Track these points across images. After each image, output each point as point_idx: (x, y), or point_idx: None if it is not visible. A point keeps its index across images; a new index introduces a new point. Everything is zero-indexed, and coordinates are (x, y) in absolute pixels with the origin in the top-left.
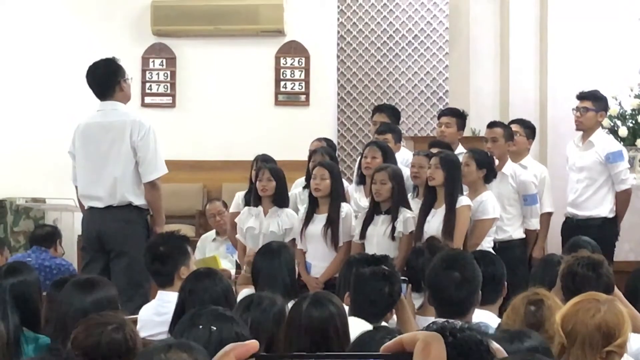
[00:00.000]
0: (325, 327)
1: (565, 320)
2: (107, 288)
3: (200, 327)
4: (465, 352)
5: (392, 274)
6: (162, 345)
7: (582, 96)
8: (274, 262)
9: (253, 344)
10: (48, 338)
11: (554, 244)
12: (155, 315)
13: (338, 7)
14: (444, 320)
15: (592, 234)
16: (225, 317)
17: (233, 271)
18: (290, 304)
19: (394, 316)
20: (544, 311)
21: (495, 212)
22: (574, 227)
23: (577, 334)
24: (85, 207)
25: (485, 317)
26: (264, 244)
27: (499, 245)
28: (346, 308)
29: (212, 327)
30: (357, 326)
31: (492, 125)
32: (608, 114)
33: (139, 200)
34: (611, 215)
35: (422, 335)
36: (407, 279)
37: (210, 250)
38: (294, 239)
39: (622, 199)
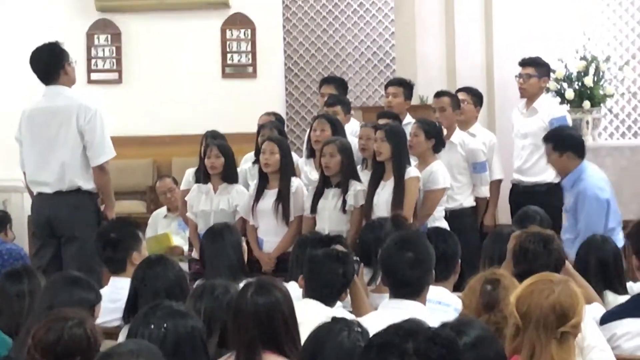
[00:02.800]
0: (272, 314)
1: (519, 301)
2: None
3: (153, 326)
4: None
5: (345, 254)
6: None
7: (524, 62)
8: (218, 243)
9: None
10: None
11: (504, 210)
12: (109, 302)
13: None
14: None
15: (538, 200)
16: (179, 313)
17: (185, 247)
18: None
19: (348, 297)
20: (500, 291)
21: (446, 182)
22: (520, 193)
23: (532, 315)
24: (35, 193)
25: (439, 294)
26: (208, 227)
27: (450, 214)
28: (300, 290)
29: (165, 325)
30: (313, 308)
31: (439, 94)
32: (554, 76)
33: (88, 185)
34: (557, 181)
35: None
36: (359, 259)
37: (162, 227)
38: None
39: None
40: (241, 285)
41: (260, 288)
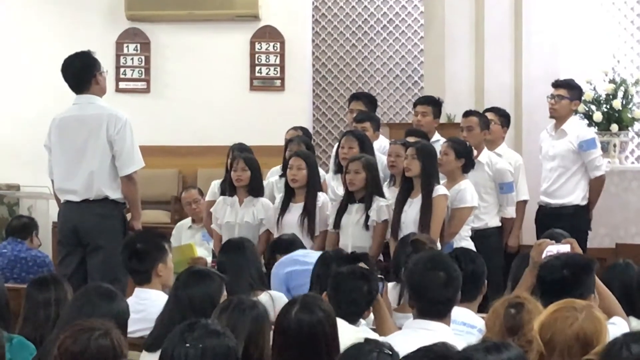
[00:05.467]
0: (314, 333)
1: (543, 329)
2: (123, 300)
3: (189, 345)
4: None
5: (370, 272)
6: None
7: (557, 84)
8: (237, 256)
9: None
10: (23, 338)
11: (529, 231)
12: (133, 313)
13: None
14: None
15: (565, 222)
16: (215, 333)
17: (209, 259)
18: (262, 297)
19: (371, 315)
20: (524, 315)
21: (474, 201)
22: (547, 215)
23: (556, 343)
24: (62, 201)
25: (464, 315)
26: (225, 241)
27: (475, 234)
28: None
29: (201, 345)
30: (340, 327)
31: (467, 114)
32: (583, 98)
33: (115, 194)
34: (584, 203)
35: None
36: (383, 277)
37: (186, 238)
38: (268, 230)
39: (596, 186)
40: (261, 297)
41: (304, 306)
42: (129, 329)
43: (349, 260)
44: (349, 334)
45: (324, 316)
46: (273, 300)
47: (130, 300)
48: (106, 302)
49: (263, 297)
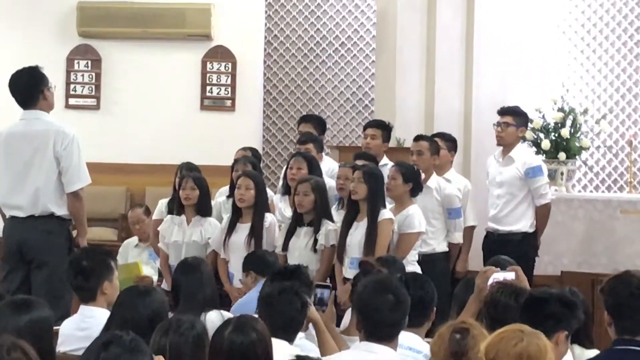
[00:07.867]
0: (246, 354)
1: (489, 348)
2: (42, 308)
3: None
4: None
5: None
6: None
7: (503, 111)
8: (193, 276)
9: None
10: None
11: (476, 257)
12: (77, 330)
13: (266, 12)
14: None
15: (512, 248)
16: (131, 351)
17: (155, 277)
18: (212, 314)
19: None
20: (469, 340)
21: (421, 226)
22: (494, 241)
23: None
24: (7, 217)
25: (411, 340)
26: (181, 260)
27: (423, 259)
28: None
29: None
30: (277, 347)
31: (417, 138)
32: (532, 126)
33: (61, 211)
34: (531, 230)
35: None
36: (330, 285)
37: (133, 257)
38: (214, 250)
39: (542, 214)
40: (211, 314)
41: (238, 327)
42: (73, 347)
43: (283, 275)
44: (282, 352)
45: (257, 337)
46: (223, 318)
47: (74, 318)
48: (21, 314)
49: (213, 314)
